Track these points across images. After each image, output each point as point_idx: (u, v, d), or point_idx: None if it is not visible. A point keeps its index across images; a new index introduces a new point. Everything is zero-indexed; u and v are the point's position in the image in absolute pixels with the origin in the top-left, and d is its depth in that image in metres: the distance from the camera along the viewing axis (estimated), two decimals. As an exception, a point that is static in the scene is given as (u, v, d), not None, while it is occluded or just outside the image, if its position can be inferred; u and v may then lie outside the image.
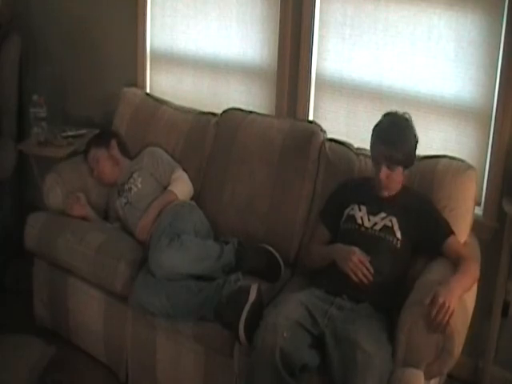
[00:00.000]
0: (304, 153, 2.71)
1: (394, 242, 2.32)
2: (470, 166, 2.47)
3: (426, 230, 2.33)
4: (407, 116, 2.38)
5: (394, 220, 2.35)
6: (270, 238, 2.70)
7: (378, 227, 2.36)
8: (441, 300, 1.97)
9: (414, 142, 2.36)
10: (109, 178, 3.07)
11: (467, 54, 2.56)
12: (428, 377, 2.05)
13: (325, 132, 2.78)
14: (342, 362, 1.99)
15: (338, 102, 2.91)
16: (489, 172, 2.61)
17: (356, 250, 2.27)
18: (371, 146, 2.40)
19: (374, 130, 2.41)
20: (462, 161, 2.49)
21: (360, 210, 2.42)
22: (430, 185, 2.44)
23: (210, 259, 2.51)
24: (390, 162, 2.31)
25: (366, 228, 2.37)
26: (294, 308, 2.15)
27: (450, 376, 2.39)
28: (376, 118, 2.43)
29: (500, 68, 2.50)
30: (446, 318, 1.97)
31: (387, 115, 2.42)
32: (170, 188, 2.86)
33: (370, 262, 2.25)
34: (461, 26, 2.55)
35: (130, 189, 2.92)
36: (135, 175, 2.95)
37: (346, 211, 2.46)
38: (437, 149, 2.62)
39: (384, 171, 2.32)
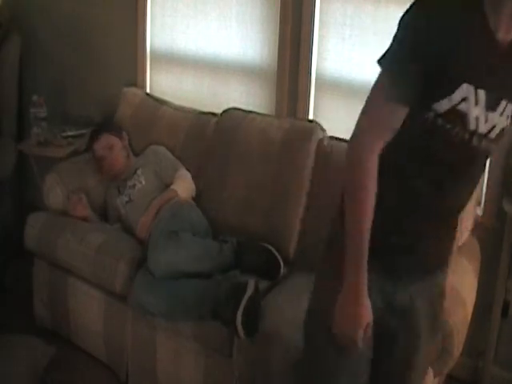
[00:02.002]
0: (303, 151, 2.71)
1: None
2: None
3: None
4: None
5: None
6: (269, 235, 2.69)
7: (493, 134, 1.47)
8: None
9: None
10: (120, 169, 3.01)
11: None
12: (428, 377, 2.06)
13: (324, 130, 2.78)
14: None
15: (337, 101, 2.91)
16: (489, 172, 2.61)
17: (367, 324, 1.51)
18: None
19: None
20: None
21: (477, 102, 1.41)
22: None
23: (209, 258, 2.51)
24: None
25: (479, 138, 1.45)
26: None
27: (450, 376, 2.39)
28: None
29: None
30: None
31: None
32: (172, 187, 2.85)
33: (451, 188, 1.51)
34: (461, 25, 2.55)
35: (134, 185, 2.91)
36: (139, 171, 2.95)
37: (455, 96, 1.39)
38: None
39: None
